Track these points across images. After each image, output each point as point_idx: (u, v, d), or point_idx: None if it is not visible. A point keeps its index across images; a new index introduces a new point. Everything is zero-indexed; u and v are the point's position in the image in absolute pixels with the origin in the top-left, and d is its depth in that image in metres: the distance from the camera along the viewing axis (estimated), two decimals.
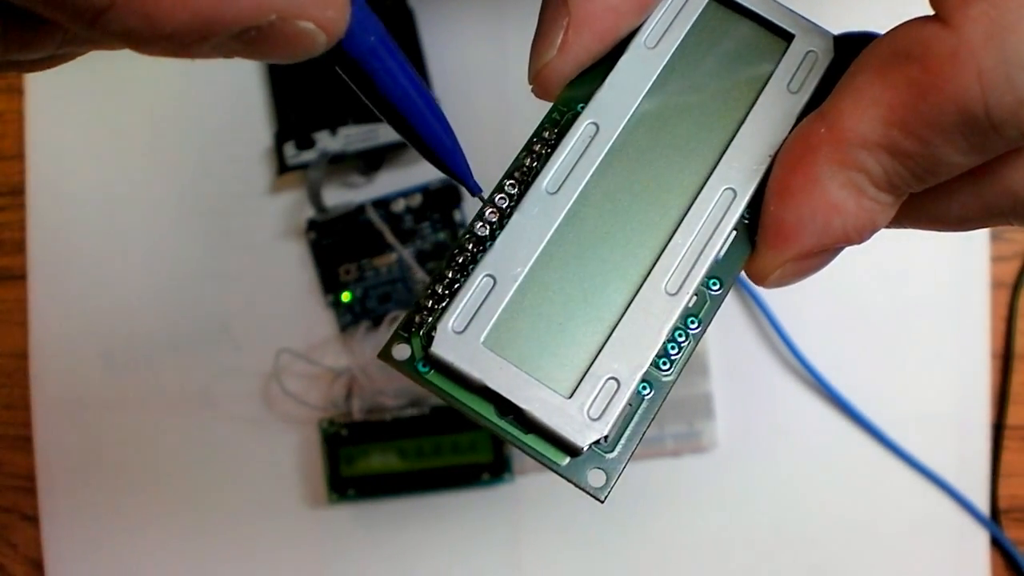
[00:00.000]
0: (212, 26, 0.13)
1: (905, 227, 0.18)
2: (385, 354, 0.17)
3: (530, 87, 0.19)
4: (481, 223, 0.18)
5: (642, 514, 0.41)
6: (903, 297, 0.40)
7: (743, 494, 0.40)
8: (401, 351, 0.17)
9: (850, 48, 0.19)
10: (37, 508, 0.44)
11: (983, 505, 0.39)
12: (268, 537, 0.43)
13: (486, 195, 0.19)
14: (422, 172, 0.43)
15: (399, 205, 0.42)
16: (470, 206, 0.42)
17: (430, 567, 0.42)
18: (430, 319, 0.17)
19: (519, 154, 0.19)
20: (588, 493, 0.17)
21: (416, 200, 0.42)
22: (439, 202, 0.42)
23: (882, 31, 0.17)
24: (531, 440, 0.17)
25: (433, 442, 0.40)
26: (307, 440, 0.42)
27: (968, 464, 0.39)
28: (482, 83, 0.42)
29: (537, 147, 0.19)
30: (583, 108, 0.19)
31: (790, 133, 0.18)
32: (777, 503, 0.40)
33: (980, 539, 0.39)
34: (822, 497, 0.40)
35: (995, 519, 0.39)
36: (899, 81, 0.15)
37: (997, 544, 0.39)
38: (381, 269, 0.42)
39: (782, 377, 0.40)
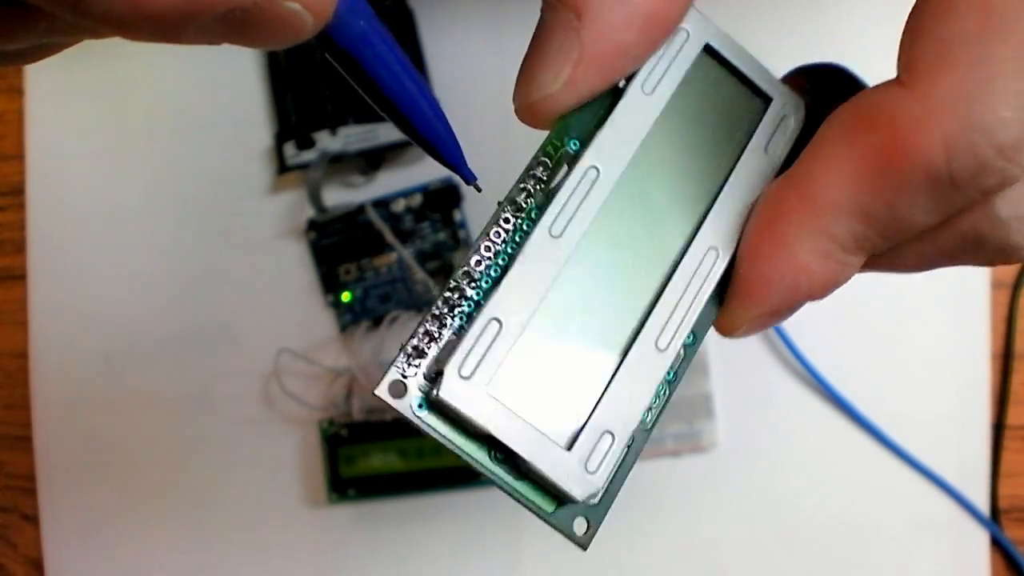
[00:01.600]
0: (196, 7, 0.13)
1: (863, 272, 0.19)
2: (381, 392, 0.17)
3: (515, 112, 0.18)
4: (477, 258, 0.17)
5: (642, 514, 0.41)
6: (903, 297, 0.40)
7: (743, 494, 0.40)
8: (396, 389, 0.17)
9: (818, 89, 0.19)
10: (37, 508, 0.44)
11: (983, 505, 0.39)
12: (268, 537, 0.43)
13: (481, 209, 0.19)
14: (422, 172, 0.43)
15: (399, 205, 0.42)
16: (470, 206, 0.42)
17: (430, 567, 0.42)
18: (426, 359, 0.17)
19: (512, 191, 0.18)
20: (573, 541, 0.17)
21: (416, 200, 0.42)
22: (439, 202, 0.42)
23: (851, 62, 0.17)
24: (521, 486, 0.17)
25: (433, 442, 0.40)
26: (307, 440, 0.42)
27: (968, 464, 0.39)
28: (482, 83, 0.42)
29: (531, 184, 0.18)
30: (578, 147, 0.18)
31: (759, 196, 0.18)
32: (777, 503, 0.40)
33: (980, 539, 0.39)
34: (822, 497, 0.40)
35: (995, 519, 0.39)
36: (867, 148, 0.16)
37: (997, 544, 0.39)
38: (381, 269, 0.42)
39: (782, 377, 0.40)
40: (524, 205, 0.18)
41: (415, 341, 0.17)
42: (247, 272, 0.43)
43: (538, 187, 0.18)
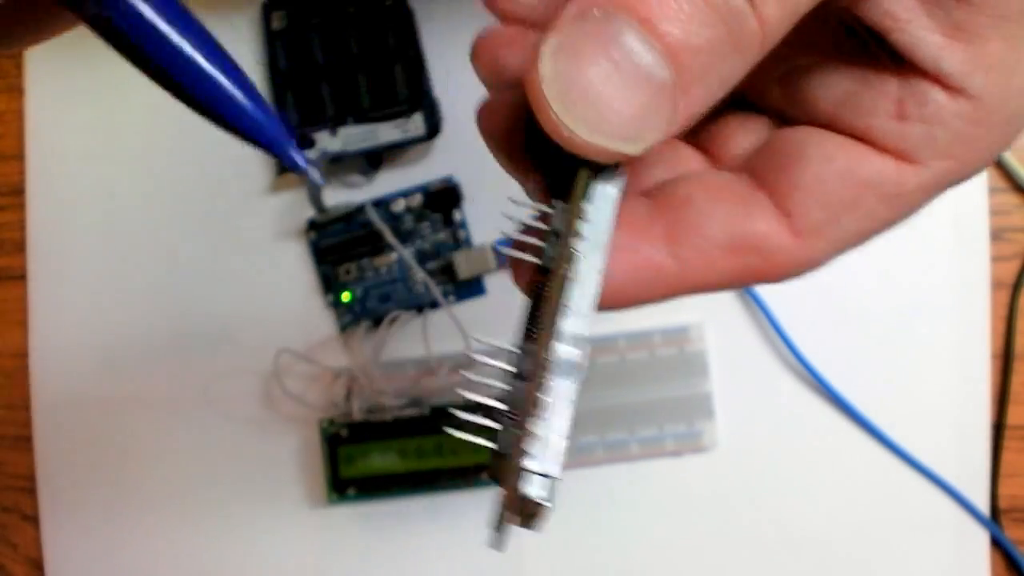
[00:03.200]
0: None
1: None
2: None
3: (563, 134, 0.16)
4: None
5: (642, 514, 0.41)
6: (903, 297, 0.40)
7: (743, 494, 0.40)
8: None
9: None
10: (37, 508, 0.44)
11: (983, 505, 0.39)
12: (268, 537, 0.43)
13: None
14: (422, 172, 0.43)
15: (399, 205, 0.42)
16: (470, 206, 0.42)
17: (430, 567, 0.42)
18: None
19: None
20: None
21: (416, 200, 0.42)
22: (439, 202, 0.42)
23: None
24: None
25: (433, 442, 0.40)
26: (307, 440, 0.42)
27: (968, 464, 0.39)
28: (482, 85, 0.42)
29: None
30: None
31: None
32: (777, 503, 0.40)
33: (980, 539, 0.39)
34: (822, 497, 0.40)
35: (995, 519, 0.39)
36: (741, 264, 0.19)
37: (997, 544, 0.39)
38: (381, 269, 0.42)
39: (782, 377, 0.40)
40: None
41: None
42: (247, 272, 0.43)
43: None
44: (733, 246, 0.19)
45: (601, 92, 0.15)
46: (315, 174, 0.16)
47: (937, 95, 0.18)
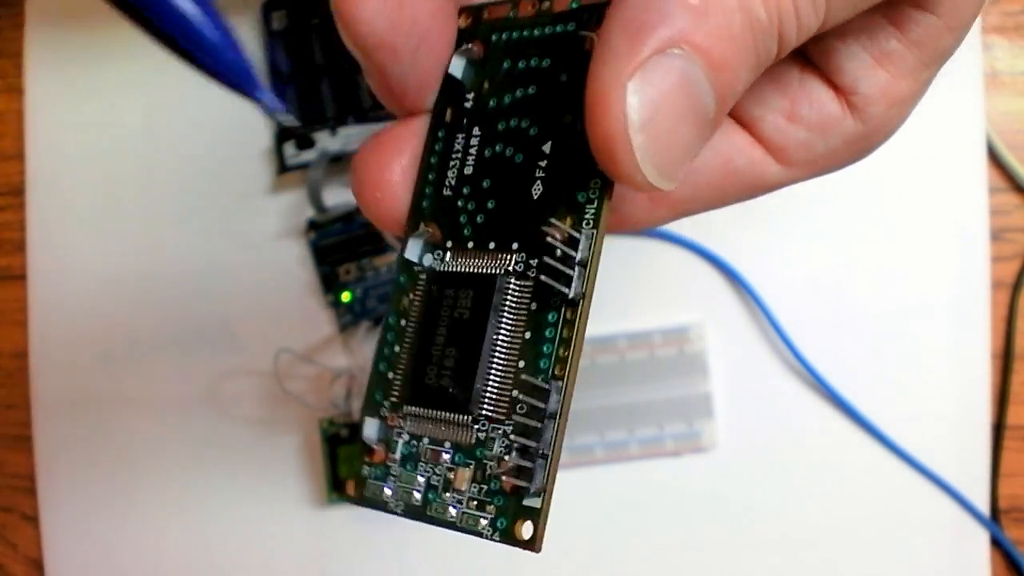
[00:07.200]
0: None
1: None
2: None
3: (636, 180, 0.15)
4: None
5: (642, 514, 0.41)
6: (903, 297, 0.40)
7: (743, 494, 0.40)
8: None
9: None
10: (37, 508, 0.44)
11: (983, 505, 0.39)
12: (268, 536, 0.43)
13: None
14: None
15: None
16: None
17: (429, 567, 0.42)
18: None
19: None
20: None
21: None
22: None
23: None
24: None
25: None
26: (307, 440, 0.42)
27: (968, 464, 0.39)
28: None
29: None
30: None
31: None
32: (777, 503, 0.40)
33: (980, 539, 0.39)
34: (822, 497, 0.40)
35: (995, 519, 0.39)
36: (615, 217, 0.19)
37: (997, 544, 0.39)
38: (381, 269, 0.42)
39: (782, 377, 0.40)
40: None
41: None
42: (247, 272, 0.43)
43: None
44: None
45: (680, 139, 0.15)
46: (280, 109, 0.15)
47: (832, 106, 0.18)
